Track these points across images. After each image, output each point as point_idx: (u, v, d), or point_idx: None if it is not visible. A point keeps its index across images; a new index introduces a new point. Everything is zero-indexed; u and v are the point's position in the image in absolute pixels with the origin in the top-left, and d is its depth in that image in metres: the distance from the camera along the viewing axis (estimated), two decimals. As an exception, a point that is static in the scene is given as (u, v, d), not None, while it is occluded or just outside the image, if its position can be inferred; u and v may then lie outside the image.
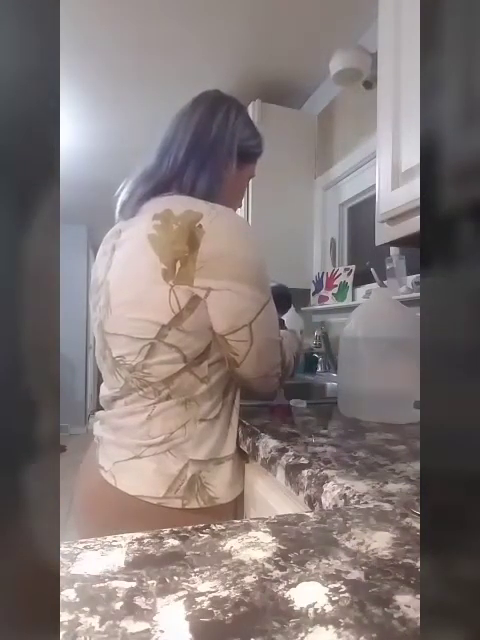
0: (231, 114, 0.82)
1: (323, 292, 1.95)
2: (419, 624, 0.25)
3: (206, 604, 0.27)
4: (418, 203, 0.74)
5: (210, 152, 0.79)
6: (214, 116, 0.81)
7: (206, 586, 0.29)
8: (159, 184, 0.77)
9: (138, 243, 0.71)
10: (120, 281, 0.73)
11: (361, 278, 1.76)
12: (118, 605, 0.27)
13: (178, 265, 0.67)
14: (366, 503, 0.46)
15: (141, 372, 0.72)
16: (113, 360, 0.76)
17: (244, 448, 0.80)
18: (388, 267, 1.37)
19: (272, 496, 0.72)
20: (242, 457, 0.83)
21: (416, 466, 0.59)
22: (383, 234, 0.88)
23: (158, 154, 0.80)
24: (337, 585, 0.30)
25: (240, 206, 0.97)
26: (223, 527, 0.38)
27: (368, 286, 1.70)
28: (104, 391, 0.82)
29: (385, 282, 1.34)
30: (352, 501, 0.48)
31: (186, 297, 0.68)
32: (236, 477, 0.78)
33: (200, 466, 0.73)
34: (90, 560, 0.33)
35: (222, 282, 0.68)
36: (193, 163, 0.78)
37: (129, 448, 0.73)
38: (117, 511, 0.72)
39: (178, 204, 0.71)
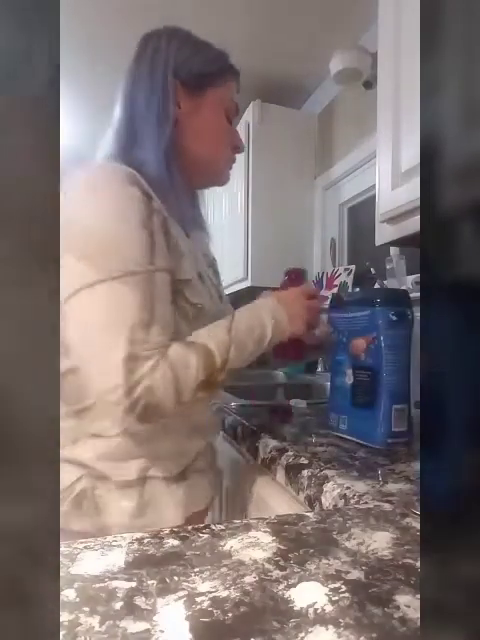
0: (161, 43, 0.72)
1: (323, 292, 1.95)
2: (419, 624, 0.25)
3: (206, 604, 0.27)
4: (418, 203, 0.73)
5: (147, 93, 0.68)
6: (143, 55, 0.72)
7: (206, 586, 0.29)
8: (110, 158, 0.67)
9: None
10: None
11: (361, 278, 1.76)
12: (118, 605, 0.27)
13: None
14: (366, 503, 0.46)
15: None
16: None
17: (244, 448, 0.80)
18: (388, 267, 1.37)
19: (272, 496, 0.72)
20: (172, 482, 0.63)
21: (416, 466, 0.59)
22: (383, 234, 0.88)
23: (112, 130, 0.71)
24: (337, 585, 0.30)
25: (237, 149, 0.78)
26: (223, 527, 0.38)
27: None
28: None
29: (385, 282, 1.34)
30: (352, 501, 0.48)
31: None
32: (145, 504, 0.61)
33: (95, 482, 0.60)
34: (90, 560, 0.33)
35: None
36: (137, 116, 0.68)
37: None
38: None
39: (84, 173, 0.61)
